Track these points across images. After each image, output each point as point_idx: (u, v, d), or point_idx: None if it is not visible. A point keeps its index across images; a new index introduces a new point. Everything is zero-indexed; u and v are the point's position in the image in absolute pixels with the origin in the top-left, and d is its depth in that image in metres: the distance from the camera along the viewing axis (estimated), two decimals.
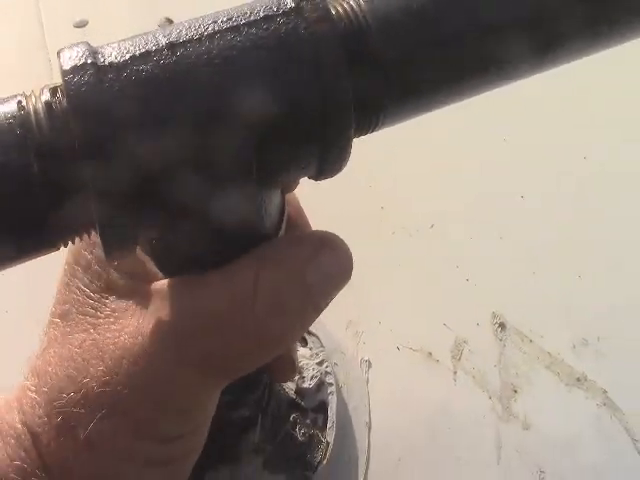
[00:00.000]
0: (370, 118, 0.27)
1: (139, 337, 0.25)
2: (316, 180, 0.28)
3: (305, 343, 0.46)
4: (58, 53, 0.22)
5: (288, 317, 0.26)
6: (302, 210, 0.34)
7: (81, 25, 0.76)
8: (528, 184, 0.61)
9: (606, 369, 0.49)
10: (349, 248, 0.28)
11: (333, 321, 0.49)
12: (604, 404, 0.48)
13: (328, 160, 0.26)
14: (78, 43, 0.23)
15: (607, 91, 0.68)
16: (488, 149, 0.64)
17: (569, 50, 0.30)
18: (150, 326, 0.25)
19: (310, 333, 0.46)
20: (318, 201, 0.62)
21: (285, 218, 0.30)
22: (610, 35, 0.29)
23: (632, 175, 0.62)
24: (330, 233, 0.28)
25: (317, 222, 0.56)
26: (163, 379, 0.25)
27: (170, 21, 0.81)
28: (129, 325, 0.25)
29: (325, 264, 0.26)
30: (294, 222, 0.33)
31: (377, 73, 0.26)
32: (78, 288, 0.27)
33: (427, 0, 0.26)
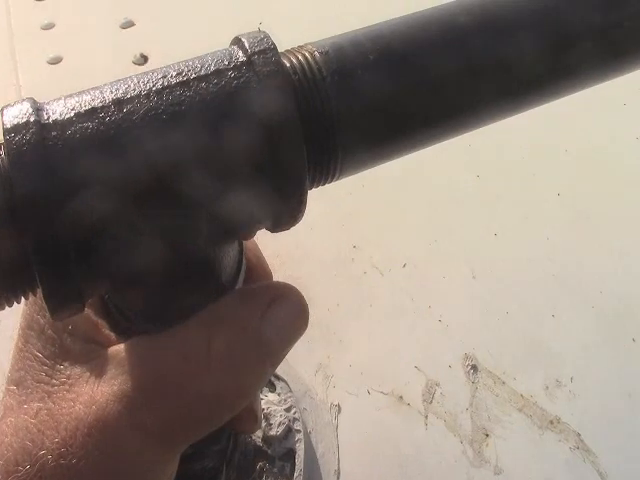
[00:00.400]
0: (326, 172, 0.26)
1: (93, 406, 0.24)
2: (272, 232, 0.27)
3: (273, 388, 0.45)
4: (1, 110, 0.22)
5: (245, 375, 0.26)
6: (261, 254, 0.33)
7: (55, 62, 0.76)
8: (501, 222, 0.61)
9: (579, 411, 0.49)
10: (303, 298, 0.28)
11: (303, 364, 0.48)
12: (577, 447, 0.47)
13: (283, 214, 0.25)
14: (23, 100, 0.22)
15: (578, 129, 0.69)
16: (461, 187, 0.64)
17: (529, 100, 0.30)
18: (104, 394, 0.24)
19: (279, 378, 0.46)
20: (290, 240, 0.61)
21: (243, 267, 0.30)
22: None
23: (604, 213, 0.62)
24: (283, 284, 0.28)
25: (289, 260, 0.56)
26: (118, 449, 0.24)
27: (145, 57, 0.81)
28: (84, 393, 0.24)
29: (279, 318, 0.26)
30: (253, 267, 0.32)
31: (331, 126, 0.25)
32: (32, 354, 0.26)
33: (382, 53, 0.26)
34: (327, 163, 0.26)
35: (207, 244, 0.24)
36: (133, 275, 0.23)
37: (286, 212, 0.25)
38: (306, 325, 0.28)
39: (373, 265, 0.56)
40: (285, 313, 0.26)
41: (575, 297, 0.56)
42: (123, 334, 0.27)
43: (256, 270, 0.33)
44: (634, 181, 0.65)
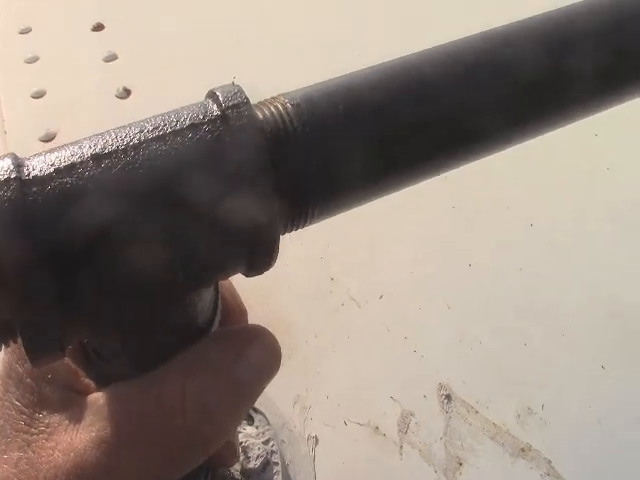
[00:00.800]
0: (298, 219, 0.28)
1: (71, 453, 0.25)
2: (247, 277, 0.29)
3: (251, 421, 0.46)
4: None
5: (220, 417, 0.27)
6: (235, 291, 0.35)
7: (38, 96, 0.77)
8: (475, 252, 0.63)
9: (550, 438, 0.50)
10: (276, 340, 0.29)
11: (281, 396, 0.49)
12: (548, 474, 0.48)
13: (256, 261, 0.27)
14: (4, 156, 0.23)
15: (550, 160, 0.71)
16: (436, 218, 0.65)
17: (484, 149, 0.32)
18: (82, 440, 0.25)
19: (256, 411, 0.46)
20: (268, 272, 0.62)
21: (219, 308, 0.31)
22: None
23: (576, 244, 0.64)
24: (256, 327, 0.29)
25: (267, 293, 0.57)
26: None
27: (128, 91, 0.83)
28: (62, 441, 0.25)
29: (252, 360, 0.27)
30: (229, 306, 0.33)
31: (303, 176, 0.27)
32: (11, 403, 0.27)
33: (352, 103, 0.28)
34: (299, 212, 0.28)
35: (183, 291, 0.26)
36: (111, 322, 0.24)
37: (259, 259, 0.27)
38: (278, 365, 0.29)
39: (350, 297, 0.57)
40: (258, 355, 0.27)
41: (546, 326, 0.58)
42: (102, 381, 0.28)
43: (232, 308, 0.34)
44: (605, 211, 0.67)
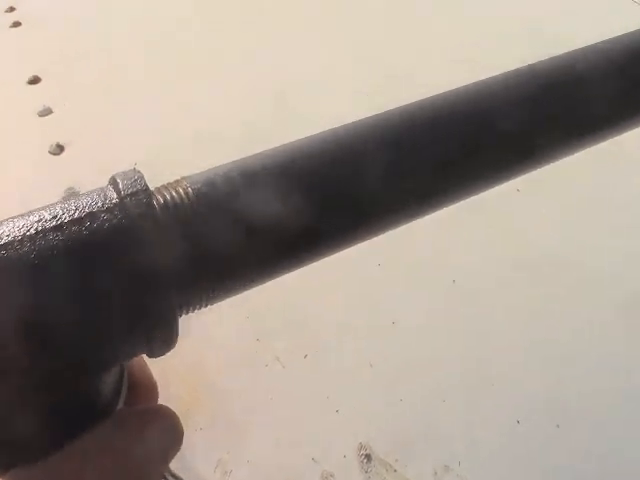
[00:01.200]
0: (198, 302, 0.29)
1: None
2: (150, 358, 0.29)
3: None
4: None
5: None
6: (144, 365, 0.35)
7: None
8: (399, 310, 0.65)
9: None
10: (177, 418, 0.29)
11: (202, 461, 0.50)
12: None
13: (156, 346, 0.27)
14: None
15: (469, 219, 0.74)
16: (361, 276, 0.67)
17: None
18: None
19: (175, 477, 0.46)
20: (195, 333, 0.63)
21: (124, 387, 0.31)
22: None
23: (498, 299, 0.67)
24: (158, 407, 0.29)
25: (192, 353, 0.57)
26: None
27: (61, 147, 0.83)
28: None
29: (152, 441, 0.28)
30: (137, 381, 0.33)
31: (201, 262, 0.28)
32: None
33: (251, 187, 0.29)
34: (199, 296, 0.28)
35: (84, 377, 0.26)
36: (6, 404, 0.24)
37: (159, 343, 0.27)
38: (180, 444, 0.29)
39: (275, 357, 0.58)
40: (158, 437, 0.28)
41: (465, 382, 0.60)
42: (2, 466, 0.28)
43: (140, 382, 0.34)
44: (515, 265, 0.70)
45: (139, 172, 0.29)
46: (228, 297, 0.32)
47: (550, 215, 0.77)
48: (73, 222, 0.25)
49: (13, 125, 0.85)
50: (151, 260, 0.27)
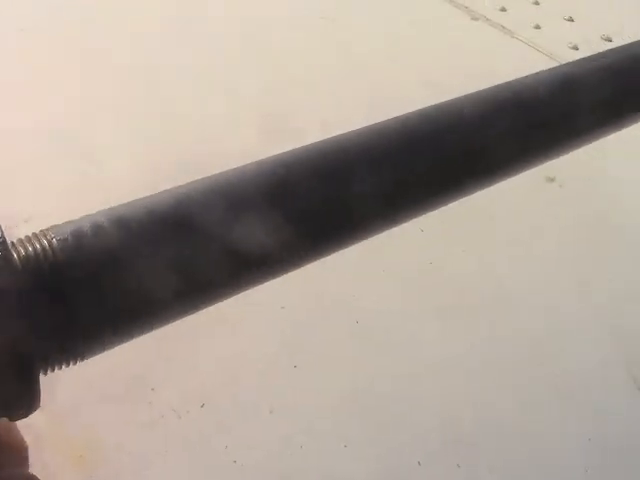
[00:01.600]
0: (65, 362, 0.27)
1: None
2: (12, 421, 0.27)
3: None
4: None
5: None
6: (12, 427, 0.33)
7: None
8: (301, 353, 0.64)
9: None
10: None
11: None
12: None
13: (14, 414, 0.25)
14: None
15: (378, 256, 0.75)
16: (263, 319, 0.66)
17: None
18: None
19: None
20: (82, 383, 0.59)
21: None
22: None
23: (402, 340, 0.68)
24: (22, 476, 0.27)
25: (79, 406, 0.54)
26: None
27: None
28: None
29: None
30: (4, 444, 0.31)
31: (65, 319, 0.26)
32: None
33: (121, 237, 0.28)
34: (60, 357, 0.27)
35: None
36: None
37: (16, 412, 0.25)
38: None
39: (171, 407, 0.56)
40: None
41: (365, 427, 0.59)
42: None
43: (8, 444, 0.32)
44: (429, 305, 0.72)
45: None
46: (98, 353, 0.30)
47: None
48: None
49: None
50: (4, 323, 0.25)
